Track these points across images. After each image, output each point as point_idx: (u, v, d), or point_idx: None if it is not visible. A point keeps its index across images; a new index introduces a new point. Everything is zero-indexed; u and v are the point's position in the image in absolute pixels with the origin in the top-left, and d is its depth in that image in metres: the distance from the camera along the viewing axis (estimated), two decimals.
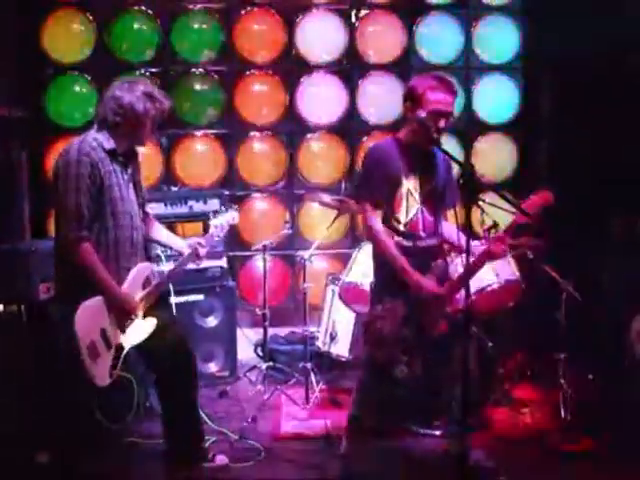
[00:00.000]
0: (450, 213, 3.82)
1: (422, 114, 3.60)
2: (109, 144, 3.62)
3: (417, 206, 3.73)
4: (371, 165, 3.77)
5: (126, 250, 3.69)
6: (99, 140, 3.61)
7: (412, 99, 3.68)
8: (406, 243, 3.71)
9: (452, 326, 3.63)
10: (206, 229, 4.12)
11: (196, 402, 4.01)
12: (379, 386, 3.77)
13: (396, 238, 3.71)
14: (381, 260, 3.75)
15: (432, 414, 4.22)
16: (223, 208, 4.15)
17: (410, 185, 3.71)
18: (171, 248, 4.12)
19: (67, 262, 3.58)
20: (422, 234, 3.74)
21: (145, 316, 3.73)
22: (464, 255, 3.27)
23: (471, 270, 3.51)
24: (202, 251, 3.93)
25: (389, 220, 3.72)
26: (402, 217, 3.71)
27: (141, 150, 3.89)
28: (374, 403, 3.84)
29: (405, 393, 3.76)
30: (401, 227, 3.72)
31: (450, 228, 3.85)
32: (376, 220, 3.70)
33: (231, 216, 4.10)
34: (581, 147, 5.55)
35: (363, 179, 3.79)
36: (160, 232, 4.06)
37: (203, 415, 4.21)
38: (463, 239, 3.39)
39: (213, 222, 4.04)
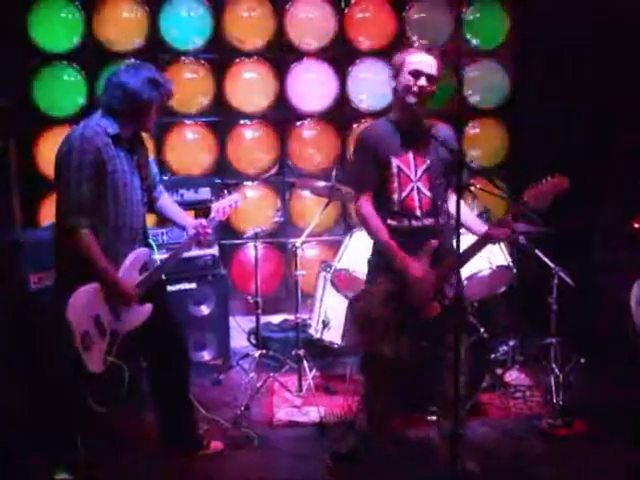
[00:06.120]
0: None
1: (403, 77, 3.65)
2: (113, 129, 3.58)
3: (411, 184, 3.68)
4: (358, 148, 3.78)
5: (125, 237, 3.67)
6: (102, 125, 3.57)
7: (395, 70, 3.71)
8: (400, 224, 3.68)
9: (446, 310, 3.60)
10: (207, 214, 4.08)
11: (188, 389, 4.03)
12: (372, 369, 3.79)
13: (389, 221, 3.68)
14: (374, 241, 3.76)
15: (427, 399, 4.24)
16: (226, 192, 4.13)
17: (401, 163, 3.67)
18: (182, 226, 4.06)
19: (65, 249, 3.57)
20: (418, 213, 3.68)
21: (141, 302, 3.72)
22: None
23: (469, 253, 3.57)
24: (207, 232, 3.91)
25: (383, 201, 3.70)
26: (395, 196, 3.67)
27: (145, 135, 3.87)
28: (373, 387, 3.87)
29: (398, 377, 3.78)
30: (395, 207, 3.68)
31: (466, 211, 3.77)
32: (365, 203, 3.70)
33: (234, 199, 4.09)
34: (573, 131, 5.57)
35: (353, 163, 3.80)
36: (172, 210, 4.03)
37: (196, 404, 4.22)
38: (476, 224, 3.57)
39: (215, 205, 4.02)
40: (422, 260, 3.61)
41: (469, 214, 3.84)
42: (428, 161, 3.70)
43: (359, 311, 3.75)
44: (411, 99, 3.64)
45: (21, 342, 4.28)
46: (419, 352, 3.71)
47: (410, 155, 3.70)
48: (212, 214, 4.01)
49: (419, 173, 3.69)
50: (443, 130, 3.74)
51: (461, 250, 3.33)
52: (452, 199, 3.68)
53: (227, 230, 5.83)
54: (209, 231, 3.94)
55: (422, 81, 3.62)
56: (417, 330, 3.63)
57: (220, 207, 4.02)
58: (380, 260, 3.76)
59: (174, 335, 3.94)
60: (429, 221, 3.69)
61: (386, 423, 3.98)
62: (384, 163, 3.68)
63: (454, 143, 3.71)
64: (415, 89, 3.62)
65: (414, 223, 3.68)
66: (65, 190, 3.51)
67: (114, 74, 3.65)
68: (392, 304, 3.61)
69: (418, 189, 3.68)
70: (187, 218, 4.04)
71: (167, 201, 4.05)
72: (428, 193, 3.68)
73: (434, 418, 4.14)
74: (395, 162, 3.67)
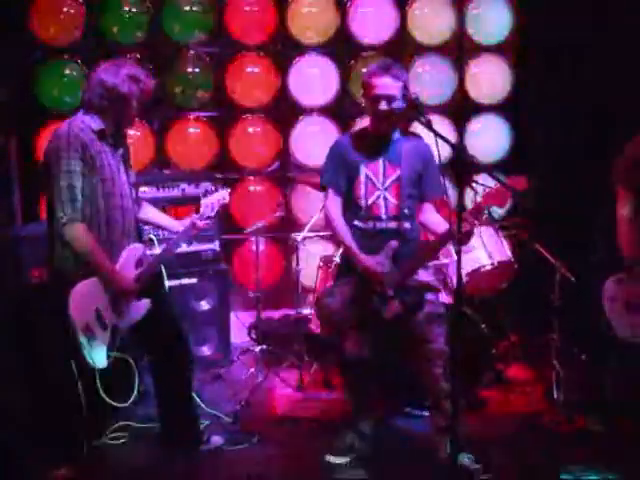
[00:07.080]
0: (442, 201, 3.97)
1: (366, 98, 3.79)
2: (97, 125, 3.62)
3: (379, 192, 3.80)
4: (331, 154, 3.95)
5: (118, 231, 3.68)
6: (86, 122, 3.61)
7: (362, 88, 3.83)
8: (366, 225, 3.82)
9: (408, 308, 3.71)
10: (198, 210, 4.11)
11: (191, 384, 4.03)
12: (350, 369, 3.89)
13: (356, 222, 3.83)
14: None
15: (422, 395, 4.24)
16: (213, 188, 4.16)
17: (370, 172, 3.80)
18: (163, 228, 4.12)
19: (61, 245, 3.57)
20: (383, 217, 3.81)
21: (139, 297, 3.73)
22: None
23: (429, 252, 3.79)
24: (199, 224, 3.93)
25: (351, 204, 3.85)
26: (362, 201, 3.82)
27: (130, 132, 3.88)
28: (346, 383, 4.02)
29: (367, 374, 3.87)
30: (362, 211, 3.82)
31: (437, 219, 3.91)
32: (332, 206, 3.87)
33: (221, 195, 4.10)
34: (573, 131, 5.55)
35: (326, 167, 3.95)
36: (152, 213, 4.06)
37: (197, 398, 4.22)
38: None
39: (203, 201, 4.04)
40: (381, 256, 3.73)
41: (435, 216, 3.94)
42: (399, 171, 3.81)
43: (323, 310, 3.84)
44: (376, 121, 3.80)
45: (21, 342, 4.27)
46: (386, 351, 3.85)
47: (380, 164, 3.82)
48: (201, 210, 4.03)
49: (388, 182, 3.82)
50: (416, 141, 3.92)
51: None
52: (428, 210, 3.89)
53: (228, 225, 5.83)
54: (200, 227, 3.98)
55: (383, 105, 3.72)
56: (380, 329, 3.74)
57: (209, 203, 4.04)
58: (346, 261, 3.92)
59: (175, 330, 3.95)
60: (393, 224, 3.82)
61: (370, 419, 3.99)
62: (354, 171, 3.84)
63: (428, 154, 3.86)
64: (378, 112, 3.74)
65: (378, 225, 3.82)
66: (58, 186, 3.51)
67: (94, 71, 3.69)
68: (354, 305, 3.74)
69: (385, 197, 3.82)
70: (172, 221, 4.09)
71: (149, 206, 4.07)
72: (394, 200, 3.81)
73: (426, 414, 4.18)
74: (364, 171, 3.82)
